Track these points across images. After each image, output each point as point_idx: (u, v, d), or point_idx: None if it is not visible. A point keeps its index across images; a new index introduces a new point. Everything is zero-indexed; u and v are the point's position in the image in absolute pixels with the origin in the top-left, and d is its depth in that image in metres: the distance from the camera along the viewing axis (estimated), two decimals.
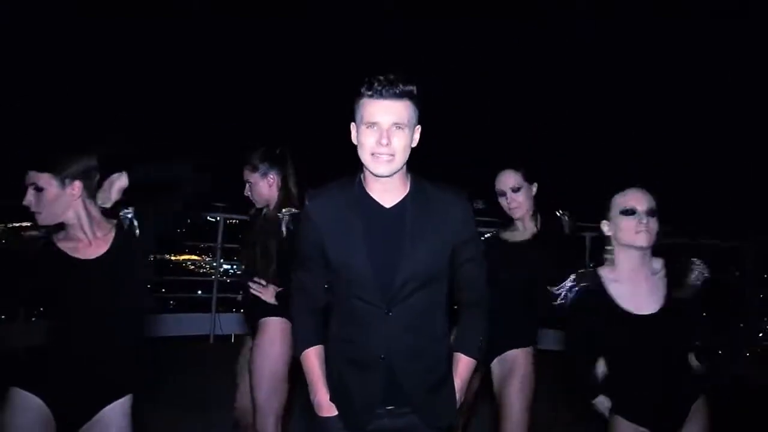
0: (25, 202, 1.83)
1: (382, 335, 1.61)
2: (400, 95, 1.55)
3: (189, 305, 6.42)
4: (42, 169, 1.83)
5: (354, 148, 1.64)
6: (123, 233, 1.94)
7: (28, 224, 1.91)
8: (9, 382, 1.82)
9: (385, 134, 1.54)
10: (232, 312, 5.92)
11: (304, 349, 1.70)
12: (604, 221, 2.04)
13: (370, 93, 1.55)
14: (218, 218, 6.01)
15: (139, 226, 1.95)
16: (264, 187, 2.63)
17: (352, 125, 1.64)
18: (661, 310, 1.93)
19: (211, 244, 6.16)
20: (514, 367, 2.55)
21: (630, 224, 1.94)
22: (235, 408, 2.78)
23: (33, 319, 4.67)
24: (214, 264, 6.26)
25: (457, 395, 1.71)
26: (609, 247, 2.05)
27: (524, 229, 2.66)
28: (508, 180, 2.60)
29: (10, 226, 2.09)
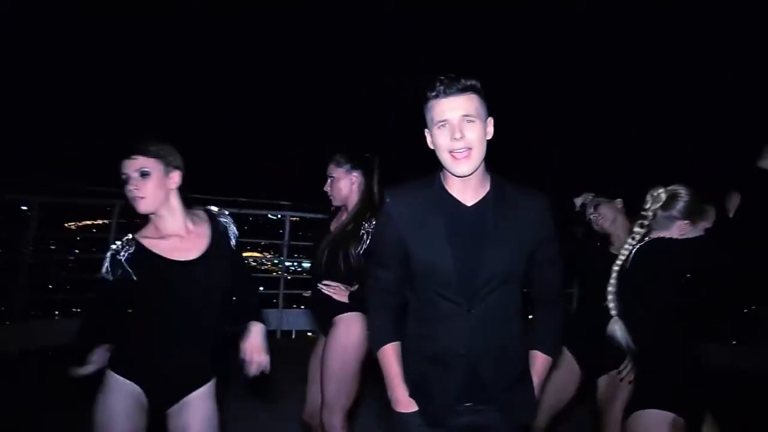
0: (129, 188, 1.84)
1: (462, 333, 1.61)
2: (464, 90, 1.57)
3: (264, 302, 6.58)
4: (150, 155, 1.85)
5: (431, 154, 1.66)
6: (217, 233, 1.98)
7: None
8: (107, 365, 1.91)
9: (457, 128, 1.56)
10: (298, 308, 6.02)
11: (382, 346, 1.70)
12: None
13: (434, 94, 1.58)
14: (284, 216, 6.14)
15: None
16: (345, 184, 2.65)
17: (426, 132, 1.65)
18: None
19: (277, 242, 6.29)
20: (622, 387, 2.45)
21: None
22: (305, 410, 2.79)
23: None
24: (280, 261, 6.38)
25: (535, 392, 1.71)
26: None
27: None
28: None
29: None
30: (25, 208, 4.93)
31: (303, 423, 2.82)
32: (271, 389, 3.95)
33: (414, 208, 1.66)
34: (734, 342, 6.64)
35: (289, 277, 6.40)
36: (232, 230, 2.03)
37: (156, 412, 1.91)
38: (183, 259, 1.90)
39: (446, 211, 1.64)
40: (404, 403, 1.66)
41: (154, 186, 1.86)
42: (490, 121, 1.64)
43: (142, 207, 1.86)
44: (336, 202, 2.72)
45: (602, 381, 2.55)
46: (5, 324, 4.71)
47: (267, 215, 6.32)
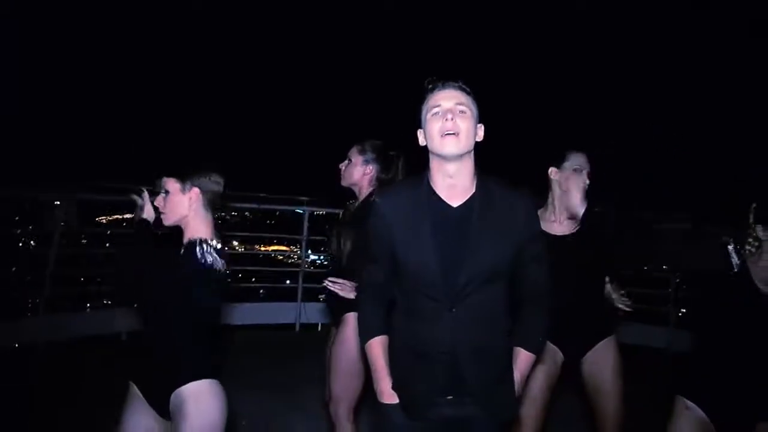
0: (156, 203, 2.07)
1: (445, 330, 1.65)
2: (459, 87, 1.68)
3: (278, 295, 6.67)
4: (169, 174, 2.04)
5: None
6: (194, 252, 2.00)
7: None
8: None
9: (449, 111, 1.63)
10: (318, 301, 6.10)
11: (369, 339, 1.75)
12: None
13: (431, 87, 1.69)
14: (304, 211, 6.24)
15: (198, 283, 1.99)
16: (358, 171, 2.69)
17: (419, 131, 1.73)
18: None
19: (297, 237, 6.38)
20: (605, 359, 2.52)
21: None
22: (326, 395, 2.83)
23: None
24: (299, 256, 6.47)
25: (517, 388, 1.74)
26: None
27: (560, 222, 2.55)
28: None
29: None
30: (57, 202, 5.09)
31: (326, 407, 2.86)
32: (290, 381, 4.06)
33: (401, 207, 1.70)
34: None
35: (312, 270, 6.47)
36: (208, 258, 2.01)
37: (161, 415, 1.98)
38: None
39: (432, 212, 1.68)
40: (388, 394, 1.72)
41: (172, 203, 2.02)
42: (481, 126, 1.70)
43: (165, 220, 2.06)
44: (344, 182, 2.76)
45: (585, 362, 2.55)
46: (35, 316, 4.88)
47: (294, 210, 6.40)
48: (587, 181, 2.44)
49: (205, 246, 1.96)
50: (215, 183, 2.05)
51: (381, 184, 2.67)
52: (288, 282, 7.10)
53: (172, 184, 2.02)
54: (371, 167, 2.69)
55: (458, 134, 1.62)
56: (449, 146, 1.62)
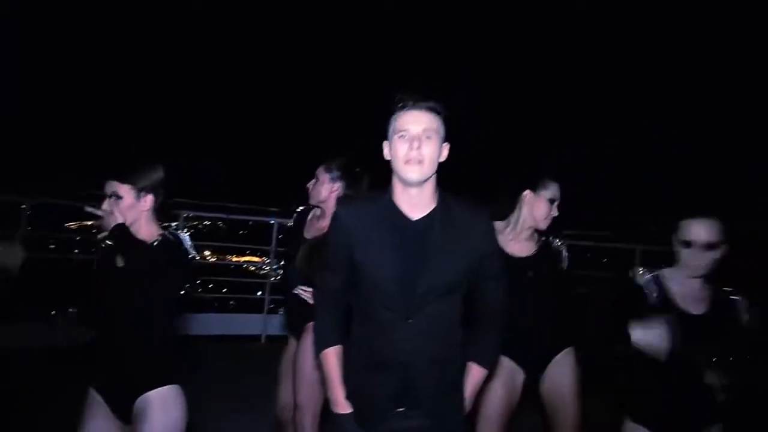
0: (103, 208, 2.02)
1: (401, 341, 1.68)
2: (429, 109, 1.68)
3: (247, 306, 6.63)
4: (123, 181, 2.02)
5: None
6: (163, 248, 2.03)
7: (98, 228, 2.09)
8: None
9: (416, 139, 1.65)
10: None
11: (324, 348, 1.79)
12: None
13: (401, 106, 1.69)
14: (273, 222, 6.25)
15: (168, 256, 2.03)
16: (325, 189, 2.75)
17: (385, 143, 1.75)
18: (707, 313, 2.08)
19: (265, 248, 6.38)
20: (562, 377, 2.57)
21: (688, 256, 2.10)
22: (277, 404, 2.93)
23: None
24: (267, 266, 6.46)
25: (467, 403, 1.78)
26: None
27: (517, 241, 2.60)
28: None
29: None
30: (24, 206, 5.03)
31: (276, 419, 2.94)
32: (252, 392, 4.05)
33: (362, 218, 1.74)
34: None
35: (274, 281, 6.45)
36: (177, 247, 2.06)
37: (124, 422, 1.99)
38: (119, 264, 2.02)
39: (392, 224, 1.71)
40: (341, 404, 1.75)
41: (124, 208, 2.01)
42: (446, 145, 1.74)
43: (113, 223, 2.02)
44: (312, 201, 2.83)
45: (543, 379, 2.61)
46: None
47: (269, 221, 6.41)
48: (556, 214, 2.56)
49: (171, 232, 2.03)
50: (164, 189, 2.08)
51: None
52: (259, 294, 7.08)
53: (126, 190, 2.01)
54: (338, 185, 2.75)
55: (422, 162, 1.65)
56: (412, 174, 1.66)
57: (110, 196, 2.01)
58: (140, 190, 2.03)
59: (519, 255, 2.56)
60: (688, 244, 2.07)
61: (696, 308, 2.08)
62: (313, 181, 2.81)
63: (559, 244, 2.63)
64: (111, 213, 2.01)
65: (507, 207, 2.61)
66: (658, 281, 2.13)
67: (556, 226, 2.62)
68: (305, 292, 2.64)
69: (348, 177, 2.75)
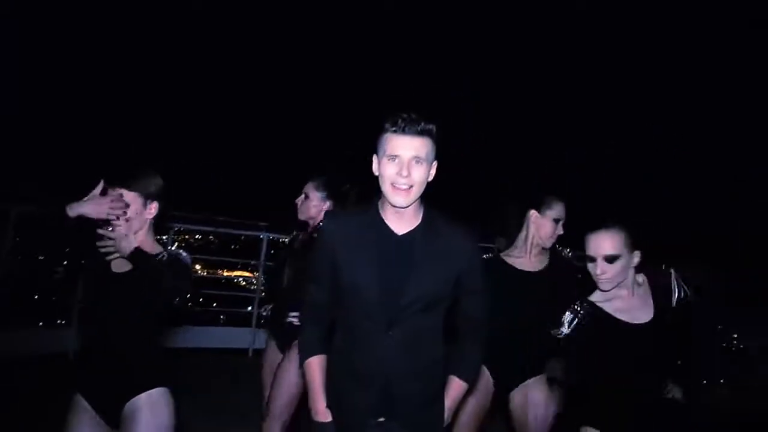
0: (118, 231, 1.98)
1: (380, 352, 1.70)
2: (421, 132, 1.68)
3: (237, 320, 6.61)
4: (131, 188, 2.01)
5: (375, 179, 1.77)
6: (156, 262, 2.01)
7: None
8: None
9: (405, 166, 1.67)
10: None
11: (307, 358, 1.79)
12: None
13: (393, 129, 1.68)
14: (262, 236, 6.25)
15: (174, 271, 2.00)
16: (315, 206, 2.82)
17: (374, 157, 1.76)
18: (653, 320, 2.07)
19: (253, 262, 6.37)
20: (534, 396, 2.59)
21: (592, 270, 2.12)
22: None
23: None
24: (256, 280, 6.46)
25: (446, 415, 1.79)
26: None
27: (529, 259, 2.65)
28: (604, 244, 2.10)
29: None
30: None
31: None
32: (237, 404, 4.03)
33: (348, 231, 1.76)
34: None
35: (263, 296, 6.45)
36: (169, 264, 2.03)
37: (111, 426, 1.98)
38: (116, 271, 2.03)
39: (377, 238, 1.74)
40: (321, 413, 1.75)
41: (131, 216, 2.01)
42: (435, 164, 1.75)
43: (127, 246, 2.00)
44: (301, 216, 2.88)
45: (514, 394, 2.62)
46: None
47: (259, 236, 6.42)
48: (561, 232, 2.63)
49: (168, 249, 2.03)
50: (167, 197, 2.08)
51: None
52: (249, 308, 7.07)
53: (133, 197, 2.01)
54: (327, 203, 2.82)
55: (410, 188, 1.67)
56: (398, 200, 1.68)
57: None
58: (147, 198, 2.03)
59: (529, 269, 2.63)
60: (591, 258, 2.11)
61: (641, 317, 2.09)
62: (302, 197, 2.86)
63: (569, 253, 2.69)
64: (125, 236, 1.98)
65: (513, 226, 2.69)
66: (589, 310, 2.13)
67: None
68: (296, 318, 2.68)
69: (335, 195, 2.83)
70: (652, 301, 2.11)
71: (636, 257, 2.08)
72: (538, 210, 2.63)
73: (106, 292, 2.00)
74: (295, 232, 3.04)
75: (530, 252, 2.64)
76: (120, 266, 2.03)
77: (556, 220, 2.61)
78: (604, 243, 2.06)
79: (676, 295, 2.08)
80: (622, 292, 2.12)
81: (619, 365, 2.06)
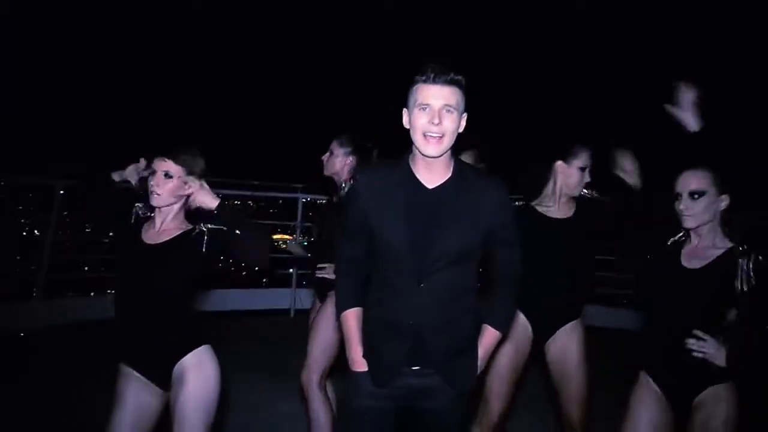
0: (151, 182, 2.06)
1: (412, 304, 1.71)
2: (451, 82, 1.68)
3: (282, 282, 6.71)
4: (178, 161, 2.07)
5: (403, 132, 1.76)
6: (188, 238, 2.09)
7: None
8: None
9: (437, 114, 1.66)
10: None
11: (344, 310, 1.84)
12: None
13: (423, 78, 1.68)
14: (299, 198, 6.30)
15: (209, 246, 2.08)
16: (339, 162, 2.90)
17: (404, 111, 1.75)
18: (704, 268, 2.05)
19: (292, 224, 6.45)
20: (571, 342, 2.58)
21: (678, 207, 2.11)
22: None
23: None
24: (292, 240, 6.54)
25: (479, 363, 1.81)
26: None
27: (558, 208, 2.65)
28: (691, 181, 2.09)
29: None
30: (62, 192, 5.16)
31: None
32: (282, 364, 4.14)
33: (379, 185, 1.77)
34: None
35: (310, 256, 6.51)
36: (205, 239, 2.09)
37: (163, 389, 2.07)
38: (149, 242, 2.09)
39: (408, 191, 1.74)
40: (358, 362, 1.80)
41: (171, 188, 2.07)
42: (465, 116, 1.74)
43: (155, 201, 2.08)
44: (327, 172, 2.96)
45: (550, 345, 2.62)
46: (30, 302, 4.98)
47: (297, 197, 6.47)
48: (588, 180, 2.62)
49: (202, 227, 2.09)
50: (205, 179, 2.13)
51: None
52: (290, 270, 7.18)
53: (177, 171, 2.06)
54: (350, 158, 2.89)
55: (442, 137, 1.67)
56: (431, 149, 1.68)
57: (162, 173, 2.06)
58: (189, 174, 2.08)
59: (558, 216, 2.63)
60: (677, 195, 2.09)
61: (694, 263, 2.07)
62: (327, 154, 2.94)
63: (594, 193, 2.67)
64: (159, 188, 2.05)
65: (541, 179, 2.66)
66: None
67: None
68: (322, 270, 2.84)
69: (359, 151, 2.90)
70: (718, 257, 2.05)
71: (724, 201, 2.05)
72: (565, 160, 2.62)
73: (140, 263, 2.05)
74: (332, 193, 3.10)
75: (559, 201, 2.63)
76: (153, 238, 2.09)
77: (582, 168, 2.59)
78: (691, 180, 2.05)
79: (740, 279, 1.98)
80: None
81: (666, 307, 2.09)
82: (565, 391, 2.58)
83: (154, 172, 2.07)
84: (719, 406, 1.94)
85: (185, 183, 2.08)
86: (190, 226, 2.12)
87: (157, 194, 2.06)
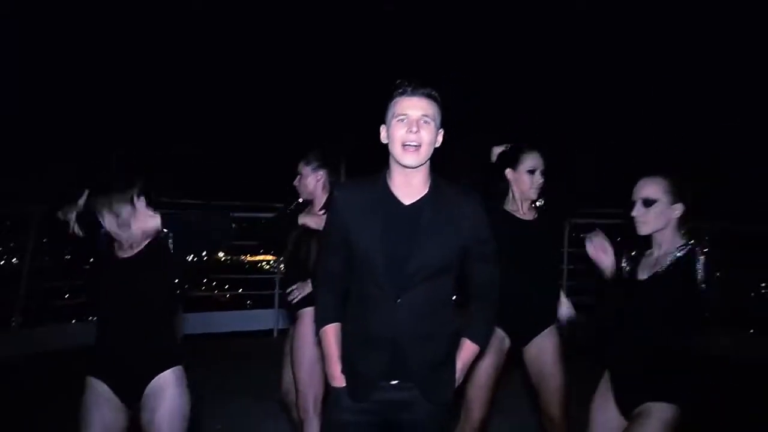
0: (108, 229, 2.08)
1: (389, 319, 1.74)
2: (428, 96, 1.75)
3: (265, 303, 6.68)
4: (144, 195, 2.10)
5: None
6: (157, 243, 2.13)
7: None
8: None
9: (414, 124, 1.72)
10: None
11: (323, 326, 1.86)
12: None
13: (401, 92, 1.75)
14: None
15: (175, 245, 2.13)
16: (311, 181, 2.88)
17: (382, 127, 1.81)
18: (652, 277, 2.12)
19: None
20: (548, 347, 2.64)
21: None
22: (281, 388, 3.04)
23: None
24: (276, 262, 6.52)
25: (457, 376, 1.84)
26: None
27: (524, 213, 2.72)
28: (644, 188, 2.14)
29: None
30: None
31: (282, 403, 3.07)
32: (265, 386, 4.11)
33: (357, 200, 1.81)
34: None
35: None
36: (170, 243, 2.14)
37: (128, 405, 2.06)
38: (125, 256, 2.11)
39: (385, 208, 1.78)
40: (337, 378, 1.83)
41: (141, 220, 2.10)
42: (441, 132, 1.80)
43: (124, 240, 2.11)
44: (303, 196, 2.95)
45: (529, 348, 2.67)
46: (7, 330, 4.91)
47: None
48: (541, 180, 2.67)
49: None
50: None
51: (333, 186, 2.81)
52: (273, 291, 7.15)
53: (141, 203, 2.08)
54: (321, 173, 2.87)
55: (420, 147, 1.71)
56: (409, 159, 1.73)
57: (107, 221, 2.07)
58: (139, 195, 2.10)
59: (524, 218, 2.70)
60: (632, 202, 2.15)
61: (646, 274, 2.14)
62: (297, 178, 2.93)
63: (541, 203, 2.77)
64: (127, 226, 2.07)
65: (503, 188, 2.74)
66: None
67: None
68: (293, 292, 2.77)
69: (328, 164, 2.89)
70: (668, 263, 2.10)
71: (677, 210, 2.09)
72: (512, 167, 2.69)
73: (119, 276, 2.06)
74: (293, 205, 3.08)
75: (521, 206, 2.71)
76: (125, 252, 2.11)
77: (531, 171, 2.65)
78: (645, 187, 2.11)
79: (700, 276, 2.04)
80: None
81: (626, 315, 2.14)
82: (543, 392, 2.63)
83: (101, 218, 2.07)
84: (648, 422, 1.98)
85: (151, 212, 2.10)
86: (154, 234, 2.13)
87: (122, 234, 2.08)
